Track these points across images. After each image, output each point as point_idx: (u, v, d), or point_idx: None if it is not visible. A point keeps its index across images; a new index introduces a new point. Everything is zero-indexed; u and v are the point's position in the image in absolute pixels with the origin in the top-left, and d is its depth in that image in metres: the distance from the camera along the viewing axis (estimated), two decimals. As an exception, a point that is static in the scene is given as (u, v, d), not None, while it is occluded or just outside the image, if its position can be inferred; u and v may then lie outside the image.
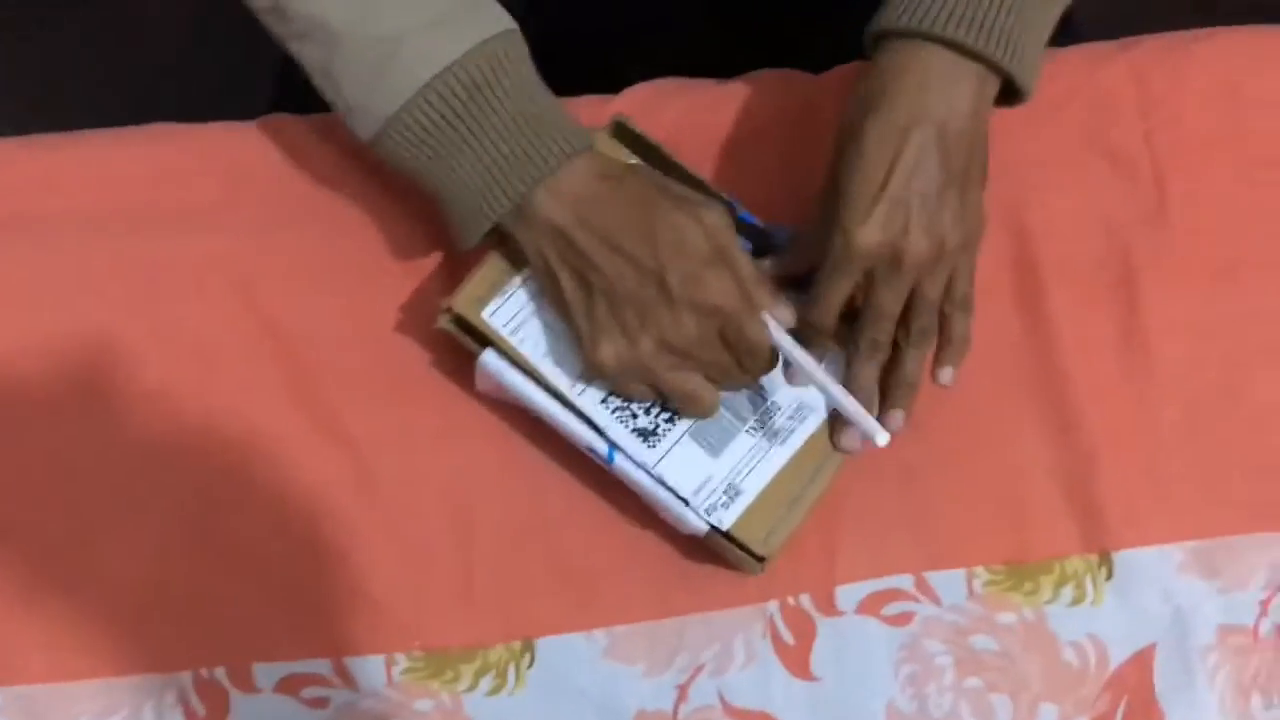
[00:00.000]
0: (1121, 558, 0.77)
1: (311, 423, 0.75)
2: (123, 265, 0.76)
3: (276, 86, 0.91)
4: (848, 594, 0.76)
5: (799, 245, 0.74)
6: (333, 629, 0.73)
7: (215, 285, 0.76)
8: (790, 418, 0.73)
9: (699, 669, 0.74)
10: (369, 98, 0.68)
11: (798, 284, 0.73)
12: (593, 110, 0.79)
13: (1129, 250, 0.80)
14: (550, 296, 0.71)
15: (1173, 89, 0.82)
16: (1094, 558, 0.77)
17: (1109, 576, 0.77)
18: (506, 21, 0.70)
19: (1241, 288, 0.81)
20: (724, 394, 0.72)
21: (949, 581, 0.76)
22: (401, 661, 0.73)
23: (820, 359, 0.72)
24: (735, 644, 0.75)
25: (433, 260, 0.77)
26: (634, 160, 0.75)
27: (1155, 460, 0.78)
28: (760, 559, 0.71)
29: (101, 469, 0.74)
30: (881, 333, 0.72)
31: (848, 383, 0.72)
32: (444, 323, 0.72)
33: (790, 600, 0.75)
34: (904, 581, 0.76)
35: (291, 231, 0.77)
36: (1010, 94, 0.71)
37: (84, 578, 0.73)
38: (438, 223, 0.73)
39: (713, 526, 0.71)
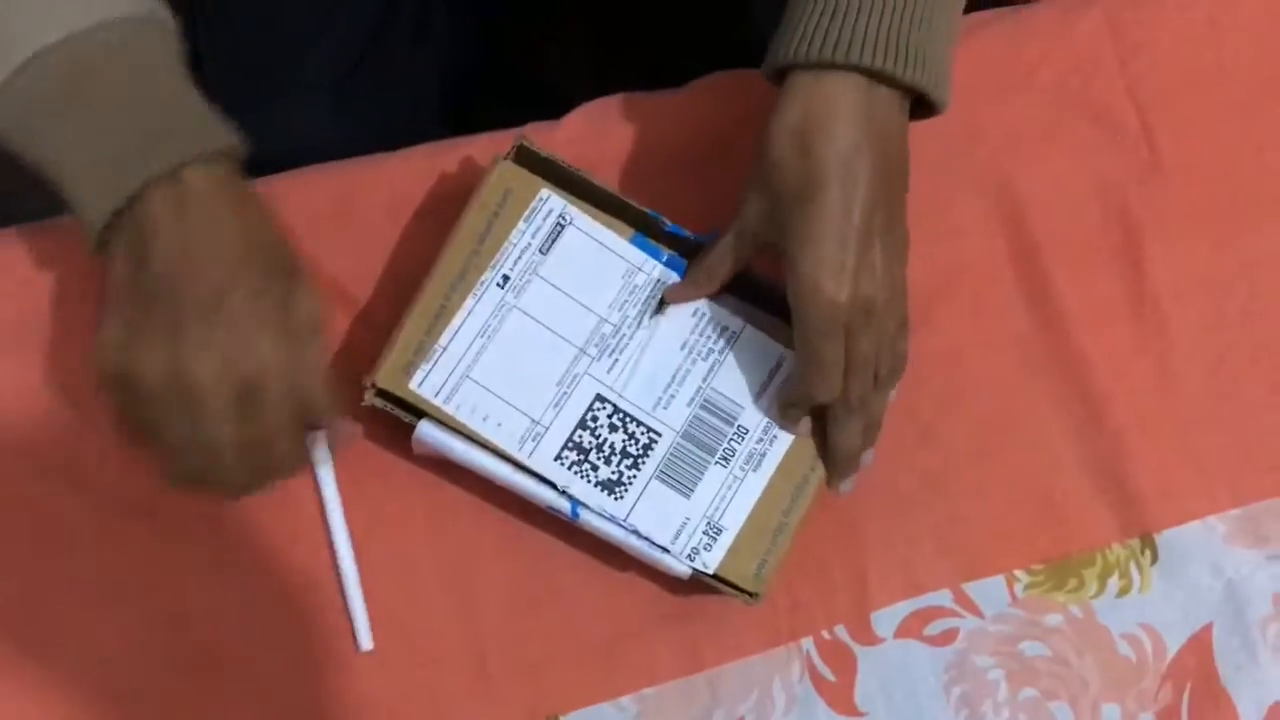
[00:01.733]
0: (1164, 538, 0.73)
1: (290, 519, 0.69)
2: (60, 373, 0.69)
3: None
4: (885, 619, 0.72)
5: (720, 256, 0.67)
6: (344, 740, 0.68)
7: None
8: (760, 441, 0.69)
9: (739, 722, 0.70)
10: None
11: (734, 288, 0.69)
12: (540, 137, 0.73)
13: (1126, 211, 0.76)
14: None
15: (1149, 33, 0.78)
16: (1135, 543, 0.73)
17: (1154, 560, 0.73)
18: (147, 5, 0.61)
19: (1249, 231, 0.77)
20: (688, 426, 0.67)
21: (988, 590, 0.72)
22: (423, 764, 0.68)
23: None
24: (774, 689, 0.70)
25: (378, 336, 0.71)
26: (543, 189, 0.68)
27: (1185, 430, 0.75)
28: (754, 595, 0.67)
29: (66, 590, 0.67)
30: (866, 384, 0.66)
31: (832, 445, 0.67)
32: (370, 399, 0.66)
33: (825, 634, 0.71)
34: (942, 597, 0.72)
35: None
36: (925, 106, 0.66)
37: (57, 701, 0.66)
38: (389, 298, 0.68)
39: (698, 571, 0.67)
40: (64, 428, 0.69)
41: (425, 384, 0.66)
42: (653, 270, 0.69)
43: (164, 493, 0.68)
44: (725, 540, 0.67)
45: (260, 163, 0.68)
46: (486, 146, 0.72)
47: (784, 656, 0.71)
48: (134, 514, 0.69)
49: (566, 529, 0.69)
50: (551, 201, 0.68)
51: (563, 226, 0.68)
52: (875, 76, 0.62)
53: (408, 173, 0.72)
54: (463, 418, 0.66)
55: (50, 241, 0.71)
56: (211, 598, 0.68)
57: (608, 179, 0.71)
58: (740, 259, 0.67)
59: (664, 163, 0.74)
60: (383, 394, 0.66)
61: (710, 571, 0.67)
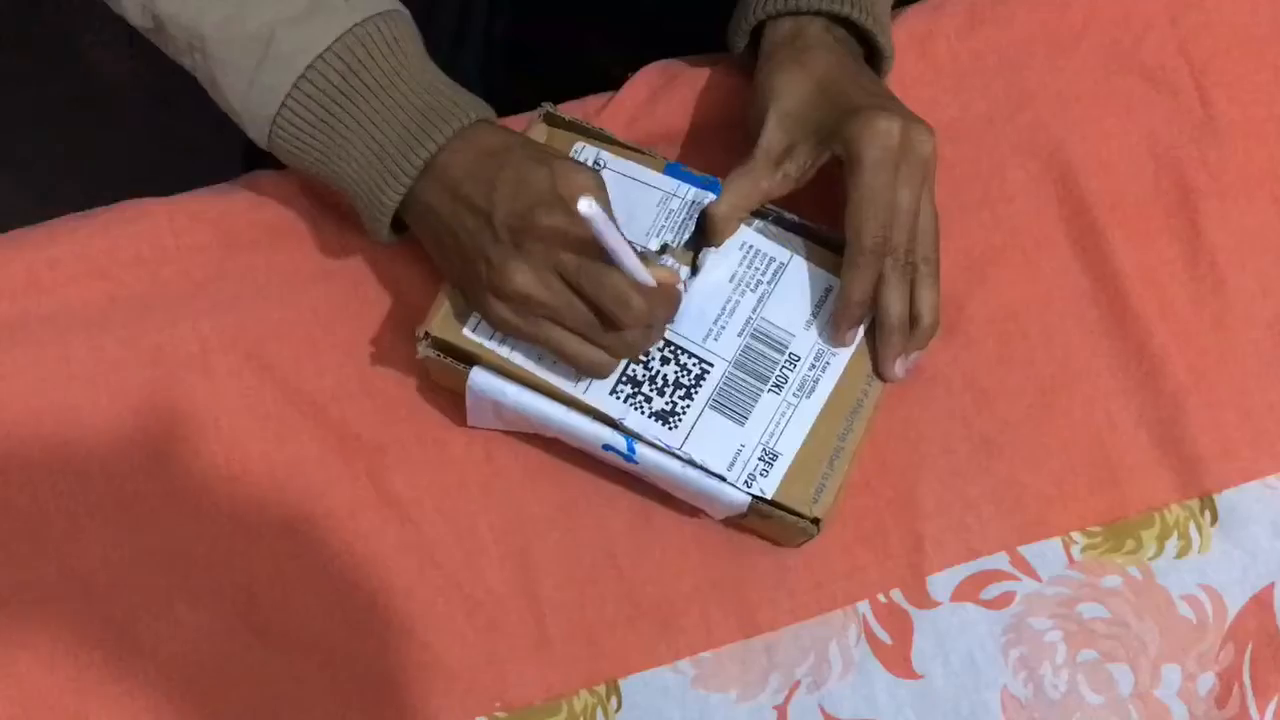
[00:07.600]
0: (1224, 498, 0.73)
1: (351, 490, 0.71)
2: (131, 355, 0.72)
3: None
4: (941, 582, 0.72)
5: (752, 172, 0.68)
6: (407, 704, 0.69)
7: (227, 361, 0.72)
8: (812, 368, 0.68)
9: (795, 685, 0.70)
10: (251, 101, 0.67)
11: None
12: (595, 111, 0.75)
13: (1181, 171, 0.76)
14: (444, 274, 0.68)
15: (1201, -10, 0.77)
16: (1195, 503, 0.72)
17: (1214, 520, 0.72)
18: (381, 2, 0.67)
19: (1308, 189, 0.76)
20: (740, 356, 0.68)
21: (1046, 553, 0.72)
22: (485, 726, 0.69)
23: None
24: (830, 652, 0.71)
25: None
26: (577, 142, 0.71)
27: (1244, 389, 0.74)
28: (814, 521, 0.67)
29: (140, 564, 0.70)
30: (906, 234, 0.66)
31: (882, 312, 0.67)
32: (424, 350, 0.67)
33: (881, 597, 0.71)
34: (999, 561, 0.72)
35: (293, 293, 0.73)
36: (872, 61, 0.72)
37: (133, 672, 0.69)
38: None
39: (756, 497, 0.66)
40: (140, 404, 0.72)
41: (479, 329, 0.67)
42: (686, 194, 0.69)
43: (234, 468, 0.71)
44: (781, 466, 0.67)
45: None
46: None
47: (840, 620, 0.71)
48: (205, 489, 0.71)
49: (622, 487, 0.70)
50: (585, 151, 0.70)
51: (599, 169, 0.69)
52: (835, 19, 0.69)
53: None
54: (518, 360, 0.67)
55: (129, 224, 0.73)
56: (279, 568, 0.70)
57: (669, 144, 0.74)
58: (779, 178, 0.68)
59: (725, 126, 0.74)
60: (436, 344, 0.67)
61: (769, 496, 0.66)
